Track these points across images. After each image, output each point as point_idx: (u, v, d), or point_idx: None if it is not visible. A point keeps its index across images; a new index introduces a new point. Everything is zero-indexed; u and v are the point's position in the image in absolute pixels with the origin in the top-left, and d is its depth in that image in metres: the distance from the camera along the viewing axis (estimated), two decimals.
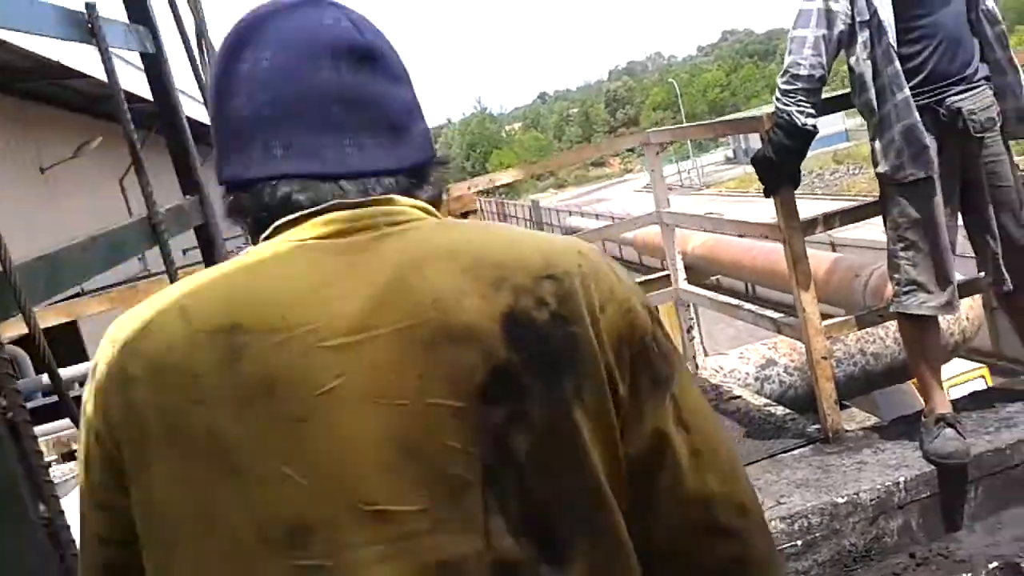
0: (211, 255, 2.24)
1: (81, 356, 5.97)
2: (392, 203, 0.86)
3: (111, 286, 5.96)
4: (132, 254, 1.70)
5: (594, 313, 0.84)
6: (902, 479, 2.88)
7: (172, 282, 1.45)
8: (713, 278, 10.74)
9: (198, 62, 2.03)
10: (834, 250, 17.09)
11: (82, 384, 0.99)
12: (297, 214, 0.84)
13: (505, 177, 4.60)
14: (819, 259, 6.28)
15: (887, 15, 2.81)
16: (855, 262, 6.09)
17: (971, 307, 4.73)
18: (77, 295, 5.46)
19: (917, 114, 2.82)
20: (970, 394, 3.57)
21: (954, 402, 3.45)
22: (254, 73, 0.86)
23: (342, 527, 0.77)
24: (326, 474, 0.77)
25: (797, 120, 2.94)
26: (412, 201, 0.88)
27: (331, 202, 0.84)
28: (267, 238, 0.85)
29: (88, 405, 0.84)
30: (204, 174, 2.14)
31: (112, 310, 4.31)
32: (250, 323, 0.79)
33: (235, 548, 0.77)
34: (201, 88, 2.04)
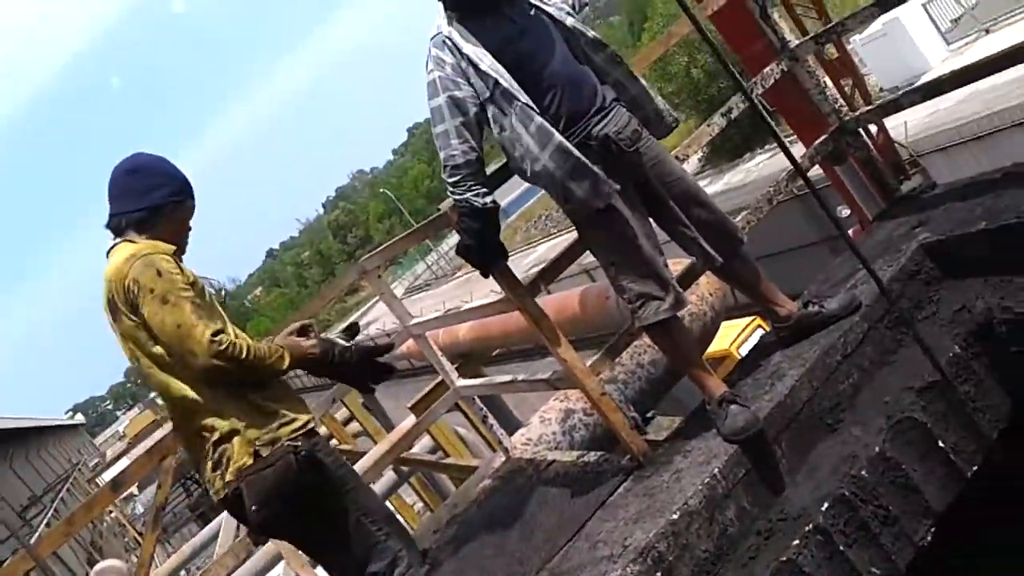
0: None
1: None
2: (120, 240, 2.80)
3: None
4: None
5: (120, 286, 2.64)
6: (716, 470, 2.98)
7: None
8: (495, 352, 10.92)
9: None
10: (591, 278, 17.89)
11: None
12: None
13: None
14: (570, 296, 6.52)
15: (508, 80, 2.97)
16: (602, 286, 6.35)
17: (708, 282, 5.06)
18: None
19: (577, 152, 2.98)
20: (739, 361, 3.77)
21: (730, 374, 3.65)
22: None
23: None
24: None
25: (476, 203, 3.04)
26: (126, 238, 2.79)
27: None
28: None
29: None
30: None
31: None
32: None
33: None
34: None
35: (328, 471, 2.77)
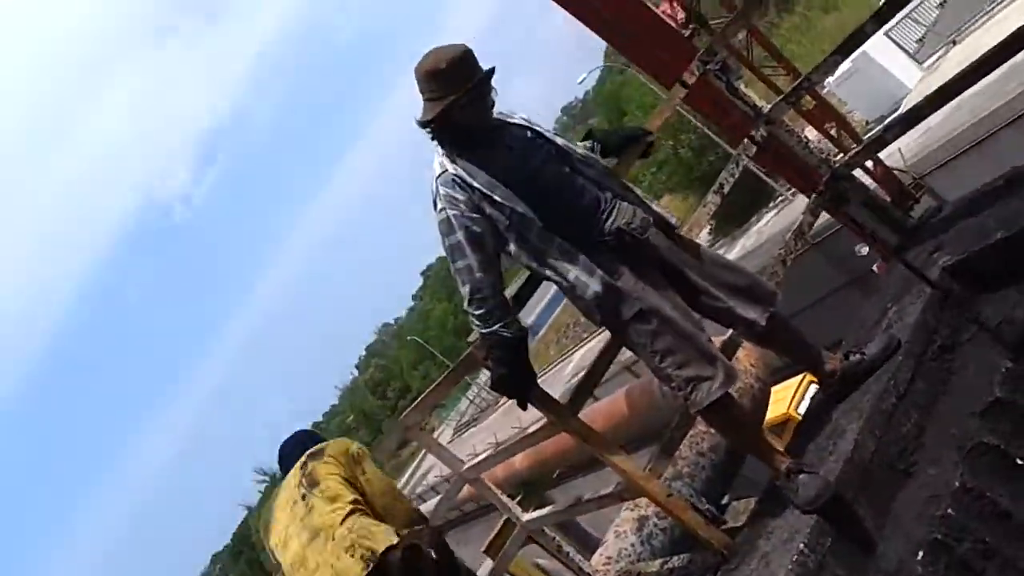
0: None
1: None
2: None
3: None
4: None
5: (346, 457, 3.64)
6: (802, 544, 2.88)
7: None
8: (555, 473, 10.78)
9: None
10: (633, 374, 17.71)
11: None
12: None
13: None
14: (616, 400, 6.48)
15: (523, 207, 3.06)
16: (644, 380, 6.33)
17: (746, 354, 5.01)
18: None
19: (594, 266, 3.04)
20: (797, 426, 3.71)
21: (790, 443, 3.57)
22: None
23: None
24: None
25: (506, 334, 3.06)
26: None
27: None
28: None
29: None
30: None
31: None
32: None
33: None
34: None
35: None
